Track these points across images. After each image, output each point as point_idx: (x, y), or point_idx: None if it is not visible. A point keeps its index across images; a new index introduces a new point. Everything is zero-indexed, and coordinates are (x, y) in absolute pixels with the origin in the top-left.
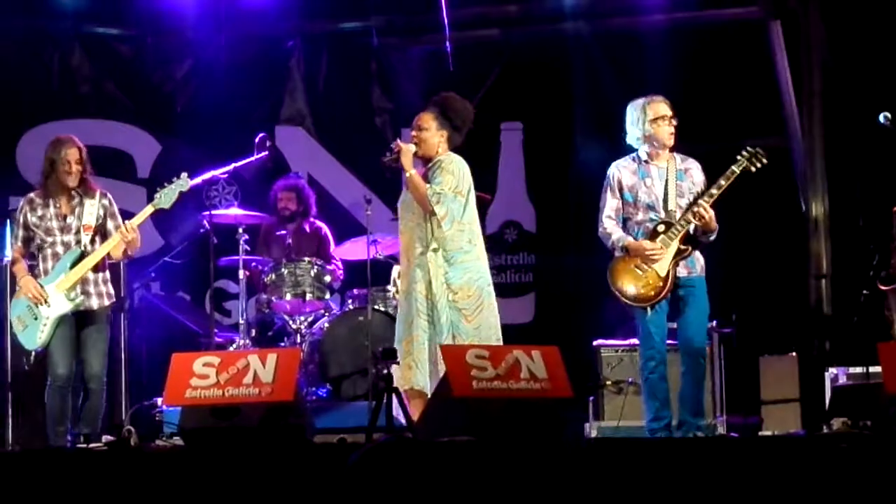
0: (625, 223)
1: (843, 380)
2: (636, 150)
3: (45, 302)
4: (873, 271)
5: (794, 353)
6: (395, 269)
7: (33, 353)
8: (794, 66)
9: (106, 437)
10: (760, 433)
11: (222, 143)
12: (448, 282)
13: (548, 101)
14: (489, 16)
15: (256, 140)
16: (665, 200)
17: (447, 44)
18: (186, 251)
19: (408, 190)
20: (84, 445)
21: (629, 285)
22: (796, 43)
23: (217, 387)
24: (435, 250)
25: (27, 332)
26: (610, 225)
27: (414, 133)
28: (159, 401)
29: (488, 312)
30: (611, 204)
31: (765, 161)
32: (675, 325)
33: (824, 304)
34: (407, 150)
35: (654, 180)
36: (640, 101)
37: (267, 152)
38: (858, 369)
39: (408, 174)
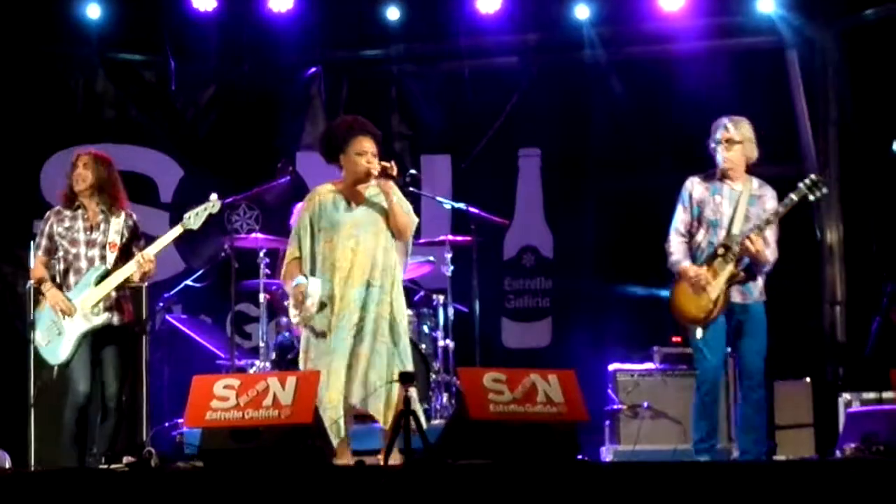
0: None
1: (856, 405)
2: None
3: (71, 315)
4: (888, 299)
5: (808, 379)
6: (316, 289)
7: (56, 368)
8: (810, 94)
9: (126, 458)
10: (774, 458)
11: (244, 169)
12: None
13: (565, 127)
14: (508, 44)
15: (278, 165)
16: (731, 223)
17: (466, 71)
18: (208, 275)
19: (369, 209)
20: (104, 466)
21: (684, 306)
22: (812, 72)
23: (237, 409)
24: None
25: (50, 346)
26: (675, 242)
27: (381, 158)
28: (180, 422)
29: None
30: (681, 217)
31: (825, 190)
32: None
33: (838, 330)
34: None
35: (724, 199)
36: (721, 120)
37: (288, 177)
38: (872, 395)
39: (395, 198)
